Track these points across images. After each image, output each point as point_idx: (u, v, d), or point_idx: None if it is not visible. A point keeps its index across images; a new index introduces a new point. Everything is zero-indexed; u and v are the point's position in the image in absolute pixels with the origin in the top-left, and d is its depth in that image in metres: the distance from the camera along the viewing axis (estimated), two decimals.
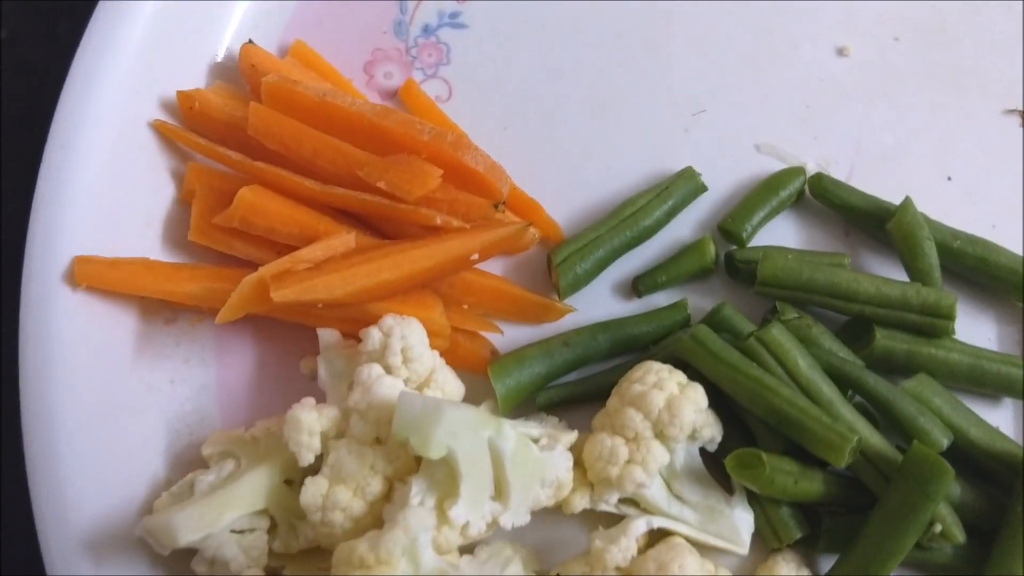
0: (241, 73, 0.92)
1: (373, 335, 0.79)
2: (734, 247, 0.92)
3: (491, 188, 0.86)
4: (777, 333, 0.81)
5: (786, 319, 0.85)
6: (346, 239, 0.82)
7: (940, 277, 0.88)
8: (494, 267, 0.91)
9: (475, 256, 0.84)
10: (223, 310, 0.77)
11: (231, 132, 0.89)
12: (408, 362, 0.78)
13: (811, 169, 0.95)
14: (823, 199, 0.93)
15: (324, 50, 0.97)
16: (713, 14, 1.01)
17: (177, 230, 0.88)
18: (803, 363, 0.81)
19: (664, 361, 0.83)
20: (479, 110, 0.97)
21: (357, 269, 0.79)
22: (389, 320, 0.79)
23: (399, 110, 0.88)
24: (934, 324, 0.85)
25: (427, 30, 1.00)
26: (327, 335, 0.83)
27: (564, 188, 0.95)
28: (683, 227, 0.94)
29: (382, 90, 0.98)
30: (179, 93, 0.89)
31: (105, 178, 0.84)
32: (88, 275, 0.81)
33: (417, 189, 0.83)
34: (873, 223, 0.91)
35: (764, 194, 0.92)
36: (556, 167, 0.96)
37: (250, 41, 0.93)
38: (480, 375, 0.86)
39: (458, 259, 0.83)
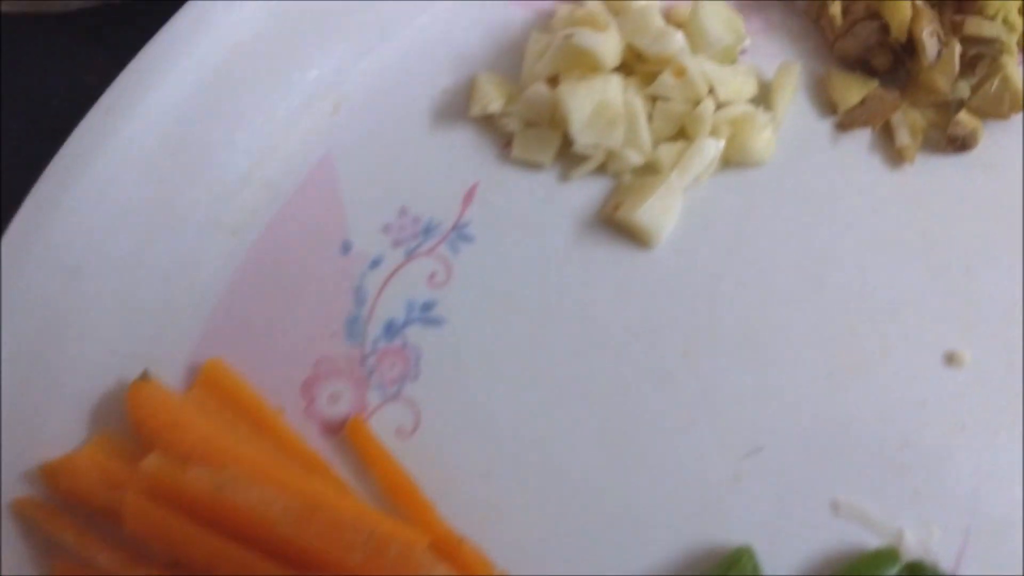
0: (131, 426, 0.69)
1: None
2: None
3: None
4: None
5: None
6: None
7: None
8: None
9: None
10: None
11: (115, 508, 0.66)
12: None
13: (909, 544, 0.69)
14: None
15: (250, 364, 0.73)
16: (772, 310, 0.75)
17: None
18: None
19: None
20: (454, 447, 0.72)
21: None
22: None
23: (327, 508, 0.63)
24: None
25: (390, 330, 0.75)
26: None
27: (566, 570, 0.69)
28: None
29: (325, 421, 0.73)
30: (43, 468, 0.67)
31: None
32: None
33: None
34: None
35: None
36: (556, 535, 0.70)
37: (144, 374, 0.70)
38: None
39: None
